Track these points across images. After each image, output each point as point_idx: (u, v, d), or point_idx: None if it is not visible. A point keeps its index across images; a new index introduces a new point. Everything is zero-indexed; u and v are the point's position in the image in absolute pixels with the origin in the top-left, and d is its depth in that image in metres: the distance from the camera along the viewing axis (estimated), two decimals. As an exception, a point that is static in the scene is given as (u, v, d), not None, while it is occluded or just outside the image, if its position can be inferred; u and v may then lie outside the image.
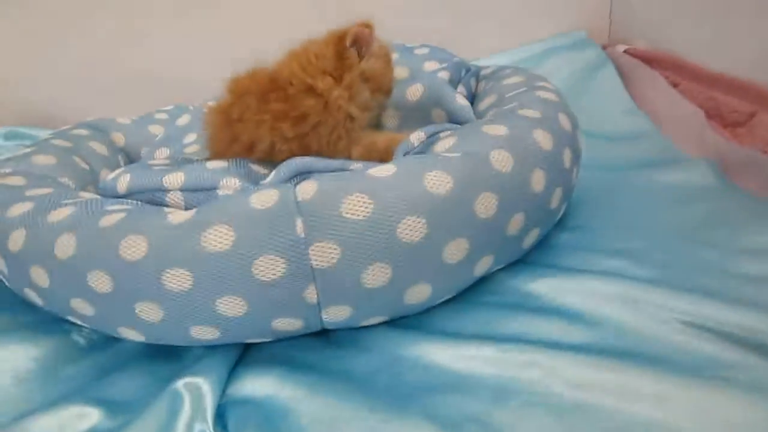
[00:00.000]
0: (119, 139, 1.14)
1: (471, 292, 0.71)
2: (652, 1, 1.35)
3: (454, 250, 0.63)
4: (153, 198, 0.75)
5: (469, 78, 1.04)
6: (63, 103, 1.41)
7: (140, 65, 1.40)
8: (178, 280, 0.59)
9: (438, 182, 0.62)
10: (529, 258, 0.78)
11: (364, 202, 0.60)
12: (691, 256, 0.75)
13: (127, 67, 1.39)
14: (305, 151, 0.80)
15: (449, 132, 0.84)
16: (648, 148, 1.11)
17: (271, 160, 0.84)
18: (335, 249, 0.59)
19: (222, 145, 0.84)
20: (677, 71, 1.21)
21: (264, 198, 0.61)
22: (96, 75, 1.39)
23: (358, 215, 0.59)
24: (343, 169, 0.76)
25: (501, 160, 0.67)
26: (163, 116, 1.25)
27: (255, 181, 0.76)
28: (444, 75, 0.94)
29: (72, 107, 1.39)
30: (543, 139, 0.73)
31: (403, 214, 0.60)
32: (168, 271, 0.59)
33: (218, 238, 0.58)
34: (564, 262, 0.78)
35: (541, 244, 0.80)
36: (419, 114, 0.94)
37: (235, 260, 0.58)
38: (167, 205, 0.75)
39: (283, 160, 0.82)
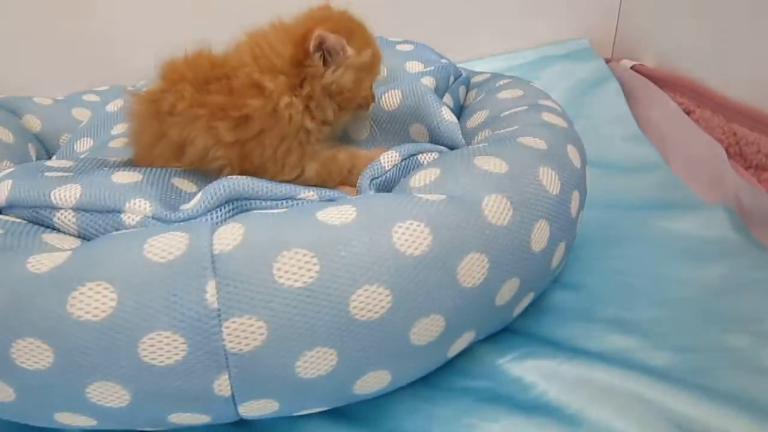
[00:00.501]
0: (33, 123, 0.94)
1: (441, 372, 0.55)
2: (666, 13, 1.20)
3: (426, 329, 0.47)
4: (38, 216, 0.57)
5: (458, 86, 0.87)
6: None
7: (81, 27, 1.18)
8: (33, 354, 0.41)
9: (411, 238, 0.46)
10: (517, 324, 0.62)
11: (306, 262, 0.43)
12: (711, 339, 0.60)
13: (63, 29, 1.18)
14: (246, 162, 0.63)
15: (431, 156, 0.68)
16: (654, 185, 0.96)
17: (202, 171, 0.67)
18: (260, 327, 0.42)
19: (146, 143, 0.66)
20: (692, 96, 1.06)
21: (167, 245, 0.43)
22: (22, 37, 1.17)
23: (297, 281, 0.42)
24: (290, 199, 0.59)
25: (496, 210, 0.51)
26: (92, 98, 1.06)
27: (173, 204, 0.59)
28: (428, 82, 0.78)
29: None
30: (549, 180, 0.57)
31: (359, 282, 0.43)
32: (20, 341, 0.41)
33: (93, 302, 0.41)
34: (558, 333, 0.62)
35: (532, 304, 0.65)
36: (394, 127, 0.77)
37: (115, 335, 0.41)
38: (54, 228, 0.57)
39: (218, 172, 0.65)
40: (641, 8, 1.29)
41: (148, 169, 0.63)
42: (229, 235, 0.44)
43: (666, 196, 0.92)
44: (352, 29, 0.65)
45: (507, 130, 0.67)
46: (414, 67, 0.90)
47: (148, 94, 0.66)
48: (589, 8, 1.32)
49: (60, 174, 0.62)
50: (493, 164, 0.56)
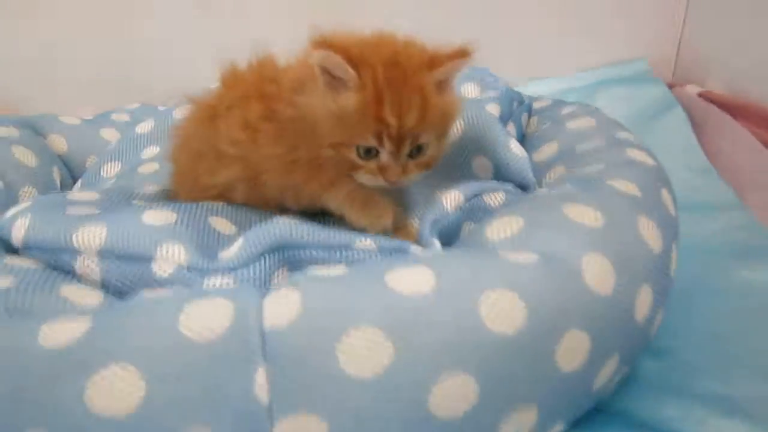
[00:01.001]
0: (59, 143, 0.88)
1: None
2: (737, 33, 1.11)
3: (514, 425, 0.38)
4: (58, 261, 0.50)
5: (521, 113, 0.79)
6: (10, 90, 1.13)
7: (114, 50, 1.13)
8: (42, 449, 0.33)
9: (504, 313, 0.37)
10: (602, 403, 0.53)
11: (377, 344, 0.35)
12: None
13: (95, 46, 1.12)
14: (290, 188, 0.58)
15: (498, 197, 0.60)
16: (731, 227, 0.86)
17: (243, 208, 0.59)
18: (322, 429, 0.33)
19: (194, 151, 0.61)
20: (770, 127, 0.97)
21: (207, 318, 0.35)
22: (57, 57, 1.12)
23: (366, 369, 0.34)
24: (345, 248, 0.51)
25: (598, 274, 0.42)
26: (122, 117, 0.99)
27: (210, 249, 0.51)
28: (494, 109, 0.70)
29: (20, 96, 1.12)
30: (650, 233, 0.48)
31: (441, 371, 0.35)
32: (27, 432, 0.33)
33: (116, 392, 0.33)
34: (651, 413, 0.53)
35: (618, 374, 0.55)
36: (455, 159, 0.69)
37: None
38: (76, 274, 0.50)
39: (264, 207, 0.58)
40: (707, 28, 1.20)
41: (183, 205, 0.56)
42: (283, 306, 0.36)
43: (747, 240, 0.82)
44: (363, 63, 0.49)
45: (590, 169, 0.58)
46: (471, 90, 0.83)
47: (203, 99, 0.61)
48: (648, 27, 1.23)
49: (84, 210, 0.55)
50: (586, 215, 0.47)
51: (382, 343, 0.35)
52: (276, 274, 0.49)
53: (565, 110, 0.80)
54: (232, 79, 0.59)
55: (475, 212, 0.61)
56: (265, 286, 0.48)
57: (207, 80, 0.64)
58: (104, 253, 0.49)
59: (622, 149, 0.62)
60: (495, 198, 0.62)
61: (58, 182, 0.82)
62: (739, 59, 1.11)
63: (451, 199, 0.60)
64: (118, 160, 0.87)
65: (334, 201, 0.56)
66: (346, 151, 0.52)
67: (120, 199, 0.61)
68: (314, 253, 0.50)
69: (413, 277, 0.38)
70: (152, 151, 0.87)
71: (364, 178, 0.53)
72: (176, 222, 0.52)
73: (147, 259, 0.48)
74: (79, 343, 0.35)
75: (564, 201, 0.49)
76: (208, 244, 0.52)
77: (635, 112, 1.13)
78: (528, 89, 1.00)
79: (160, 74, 1.13)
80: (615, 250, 0.44)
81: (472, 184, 0.62)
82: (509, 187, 0.63)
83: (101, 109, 1.02)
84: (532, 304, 0.38)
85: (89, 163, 0.90)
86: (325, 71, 0.49)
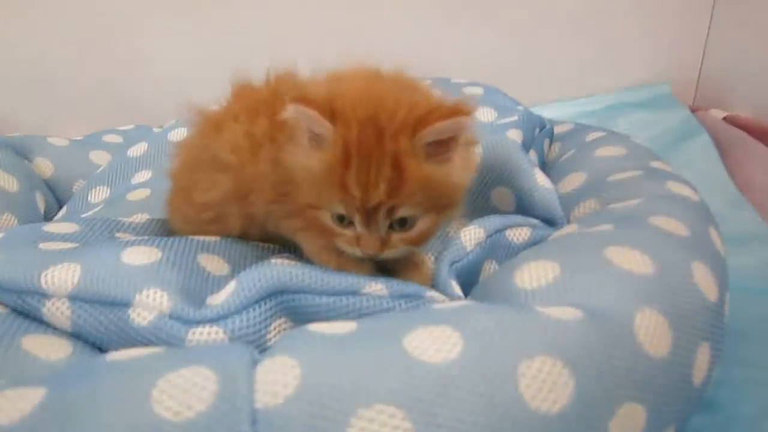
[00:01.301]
0: (45, 167, 0.82)
1: None
2: (760, 58, 1.05)
3: None
4: (23, 306, 0.44)
5: (542, 139, 0.73)
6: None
7: (109, 68, 1.08)
8: None
9: (547, 387, 0.31)
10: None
11: (395, 428, 0.28)
12: None
13: (89, 65, 1.07)
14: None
15: (523, 233, 0.54)
16: (765, 262, 0.80)
17: (237, 241, 0.53)
18: None
19: (194, 158, 0.55)
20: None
21: (185, 391, 0.29)
22: (53, 79, 1.07)
23: (381, 460, 0.27)
24: (351, 294, 0.44)
25: (653, 333, 0.36)
26: (114, 139, 0.94)
27: (198, 293, 0.45)
28: (515, 135, 0.64)
29: (8, 114, 1.07)
30: (705, 281, 0.42)
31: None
32: None
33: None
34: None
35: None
36: (472, 192, 0.63)
37: None
38: (43, 321, 0.43)
39: (259, 236, 0.52)
40: (730, 51, 1.15)
41: (170, 240, 0.50)
42: (279, 377, 0.29)
43: (787, 278, 0.76)
44: (341, 119, 0.42)
45: (627, 204, 0.52)
46: (487, 115, 0.77)
47: (212, 111, 0.55)
48: (669, 49, 1.18)
49: (59, 246, 0.49)
50: (633, 259, 0.41)
51: (400, 425, 0.28)
52: (273, 324, 0.43)
53: (591, 136, 0.74)
54: (243, 91, 0.54)
55: (497, 250, 0.55)
56: (260, 339, 0.42)
57: (207, 100, 0.58)
58: (76, 297, 0.43)
59: (661, 182, 0.56)
60: (519, 234, 0.56)
61: (41, 208, 0.76)
62: (763, 83, 1.06)
63: (471, 235, 0.53)
64: (107, 185, 0.81)
65: (306, 249, 0.50)
66: (320, 216, 0.45)
67: (102, 231, 0.55)
68: (317, 299, 0.44)
69: (436, 340, 0.32)
70: (143, 175, 0.81)
71: (342, 245, 0.46)
72: (161, 261, 0.46)
73: (124, 305, 0.42)
74: (26, 424, 0.28)
75: (605, 242, 0.43)
76: (195, 288, 0.45)
77: (658, 136, 1.07)
78: (546, 112, 0.94)
79: (156, 94, 1.08)
80: (669, 303, 0.38)
81: (493, 218, 0.55)
82: (535, 222, 0.57)
83: (94, 130, 0.97)
84: (579, 375, 0.31)
85: (76, 187, 0.84)
86: (303, 126, 0.43)
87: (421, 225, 0.45)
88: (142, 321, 0.41)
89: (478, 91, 0.84)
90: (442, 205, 0.45)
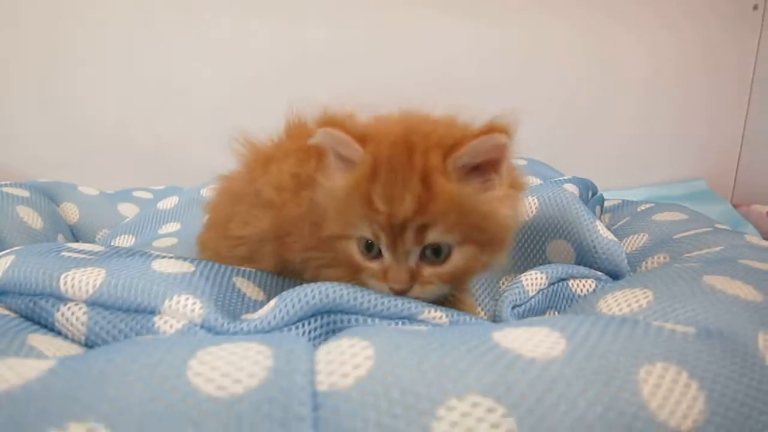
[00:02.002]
0: (71, 212, 0.79)
1: None
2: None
3: None
4: (35, 310, 0.38)
5: (594, 204, 0.69)
6: (46, 162, 1.07)
7: (145, 128, 1.08)
8: None
9: (675, 396, 0.25)
10: None
11: (493, 425, 0.22)
12: None
13: (125, 128, 1.08)
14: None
15: (587, 285, 0.49)
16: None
17: (273, 275, 0.49)
18: None
19: (235, 191, 0.52)
20: None
21: (232, 364, 0.23)
22: (106, 137, 1.08)
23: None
24: (407, 319, 0.39)
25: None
26: (144, 195, 0.92)
27: (233, 310, 0.39)
28: (573, 189, 0.60)
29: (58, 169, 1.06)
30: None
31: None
32: None
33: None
34: None
35: None
36: (525, 245, 0.58)
37: None
38: (54, 330, 0.38)
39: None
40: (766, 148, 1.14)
41: (203, 262, 0.45)
42: (347, 358, 0.24)
43: None
44: (372, 140, 0.40)
45: (709, 251, 0.47)
46: (531, 182, 0.74)
47: (265, 147, 0.52)
48: (705, 147, 1.18)
49: (83, 256, 0.45)
50: (738, 288, 0.35)
51: (500, 420, 0.22)
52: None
53: (643, 206, 0.71)
54: (296, 129, 0.51)
55: (560, 300, 0.50)
56: (302, 357, 0.36)
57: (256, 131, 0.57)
58: (96, 302, 0.37)
59: (738, 235, 0.51)
60: (584, 286, 0.50)
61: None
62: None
63: (533, 280, 0.48)
64: (133, 234, 0.77)
65: None
66: (346, 246, 0.41)
67: (129, 253, 0.51)
68: (369, 321, 0.38)
69: (533, 336, 0.26)
70: (172, 227, 0.78)
71: (369, 281, 0.41)
72: (194, 273, 0.41)
73: (150, 311, 0.37)
74: (27, 391, 0.22)
75: (699, 273, 0.38)
76: (230, 304, 0.40)
77: (701, 229, 1.03)
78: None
79: (193, 161, 1.07)
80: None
81: (555, 265, 0.50)
82: (600, 274, 0.52)
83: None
84: (708, 387, 0.25)
85: (101, 236, 0.80)
86: (333, 151, 0.41)
87: (456, 258, 0.39)
88: (169, 329, 0.36)
89: (521, 162, 0.82)
90: (482, 239, 0.40)
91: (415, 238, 0.38)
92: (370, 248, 0.40)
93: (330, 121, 0.39)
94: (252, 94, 1.09)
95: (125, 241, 0.76)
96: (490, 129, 0.37)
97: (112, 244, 0.75)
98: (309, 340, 0.37)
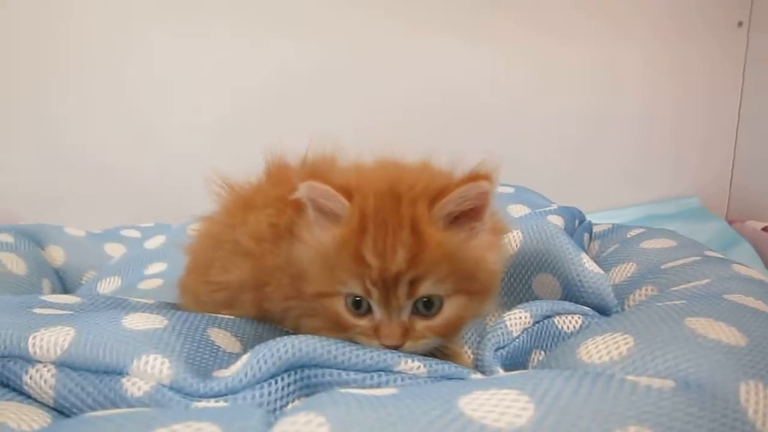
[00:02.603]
0: (56, 255, 0.79)
1: None
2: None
3: None
4: (2, 374, 0.38)
5: (582, 233, 0.68)
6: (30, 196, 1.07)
7: (133, 161, 1.08)
8: None
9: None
10: None
11: None
12: None
13: (113, 163, 1.07)
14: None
15: (574, 321, 0.48)
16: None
17: (252, 322, 0.48)
18: None
19: (214, 235, 0.51)
20: None
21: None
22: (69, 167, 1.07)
23: None
24: (384, 371, 0.38)
25: (763, 410, 0.29)
26: (132, 233, 0.91)
27: (204, 367, 0.38)
28: (557, 221, 0.59)
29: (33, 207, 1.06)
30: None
31: None
32: None
33: None
34: None
35: None
36: (509, 280, 0.57)
37: None
38: (24, 393, 0.37)
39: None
40: (758, 165, 1.13)
41: (178, 313, 0.44)
42: (300, 436, 0.23)
43: None
44: (357, 192, 0.39)
45: (695, 284, 0.46)
46: (519, 211, 0.73)
47: (244, 189, 0.51)
48: (698, 165, 1.17)
49: (55, 312, 0.44)
50: (720, 331, 0.34)
51: None
52: (290, 405, 0.36)
53: (632, 232, 0.70)
54: (277, 175, 0.51)
55: (545, 339, 0.48)
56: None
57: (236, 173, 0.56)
58: (64, 363, 0.37)
59: (726, 265, 0.50)
60: (570, 322, 0.49)
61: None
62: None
63: (516, 319, 0.47)
64: (119, 275, 0.76)
65: None
66: (333, 304, 0.40)
67: (105, 305, 0.50)
68: (344, 375, 0.37)
69: (500, 403, 0.25)
70: (158, 267, 0.77)
71: (359, 339, 0.40)
72: (165, 328, 0.40)
73: (118, 372, 0.36)
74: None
75: (682, 315, 0.37)
76: (202, 361, 0.39)
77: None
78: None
79: (181, 198, 1.07)
80: (774, 379, 0.31)
81: (540, 303, 0.49)
82: (587, 310, 0.51)
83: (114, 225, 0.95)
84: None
85: (87, 278, 0.80)
86: (316, 205, 0.40)
87: (448, 310, 0.39)
88: (137, 391, 0.35)
89: (507, 189, 0.81)
90: (472, 288, 0.39)
91: (408, 291, 0.37)
92: (358, 305, 0.39)
93: (313, 174, 0.39)
94: (246, 122, 1.09)
95: (111, 283, 0.75)
96: (475, 177, 0.37)
97: (97, 287, 0.75)
98: (283, 396, 0.36)
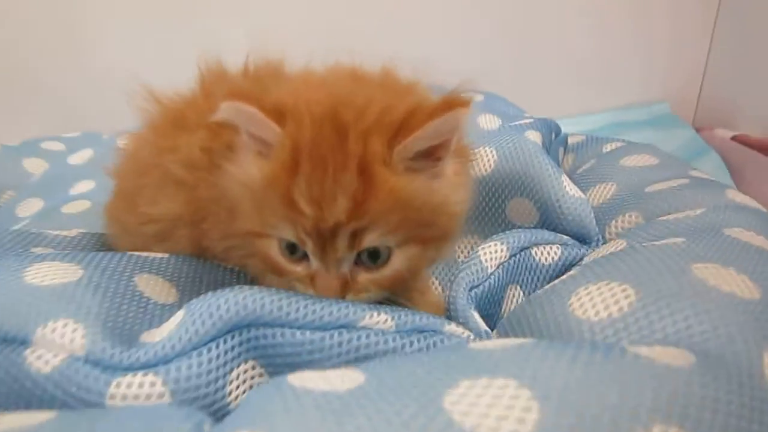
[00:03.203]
0: (-35, 173, 0.69)
1: None
2: (764, 76, 0.99)
3: None
4: None
5: (557, 147, 0.63)
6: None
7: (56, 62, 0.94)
8: None
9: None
10: None
11: None
12: None
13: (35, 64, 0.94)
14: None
15: (552, 253, 0.44)
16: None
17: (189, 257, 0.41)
18: None
19: (141, 158, 0.43)
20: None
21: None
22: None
23: None
24: (343, 328, 0.32)
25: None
26: (55, 146, 0.81)
27: (130, 328, 0.32)
28: (534, 137, 0.53)
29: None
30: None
31: None
32: None
33: None
34: None
35: None
36: (481, 204, 0.52)
37: None
38: None
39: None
40: (734, 68, 1.08)
41: (98, 255, 0.37)
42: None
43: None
44: (293, 117, 0.32)
45: (687, 215, 0.42)
46: (490, 122, 0.66)
47: (175, 103, 0.43)
48: (666, 68, 1.11)
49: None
50: (733, 282, 0.30)
51: None
52: (235, 372, 0.31)
53: (609, 146, 0.65)
54: (214, 83, 0.42)
55: (522, 273, 0.44)
56: (216, 394, 0.29)
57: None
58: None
59: (718, 190, 0.46)
60: (548, 253, 0.45)
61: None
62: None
63: (492, 253, 0.42)
64: (40, 197, 0.67)
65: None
66: (266, 246, 0.33)
67: (12, 245, 0.42)
68: (299, 335, 0.31)
69: (497, 403, 0.20)
70: (85, 186, 0.68)
71: (298, 287, 0.34)
72: (79, 281, 0.33)
73: (20, 342, 0.29)
74: None
75: (687, 259, 0.32)
76: (126, 321, 0.32)
77: (663, 158, 0.98)
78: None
79: (110, 102, 0.95)
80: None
81: (516, 233, 0.44)
82: (565, 239, 0.46)
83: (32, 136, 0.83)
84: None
85: (4, 199, 0.70)
86: (245, 129, 0.32)
87: (397, 261, 0.33)
88: (44, 366, 0.28)
89: (477, 97, 0.74)
90: (428, 236, 0.33)
91: (349, 243, 0.31)
92: (293, 250, 0.33)
93: (238, 93, 0.31)
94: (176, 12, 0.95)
95: (32, 206, 0.66)
96: (450, 104, 0.29)
97: (16, 210, 0.66)
98: (226, 362, 0.31)
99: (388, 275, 0.33)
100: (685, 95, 1.13)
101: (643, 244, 0.37)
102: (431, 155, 0.31)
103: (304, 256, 0.33)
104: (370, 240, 0.31)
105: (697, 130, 1.06)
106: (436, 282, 0.49)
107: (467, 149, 0.36)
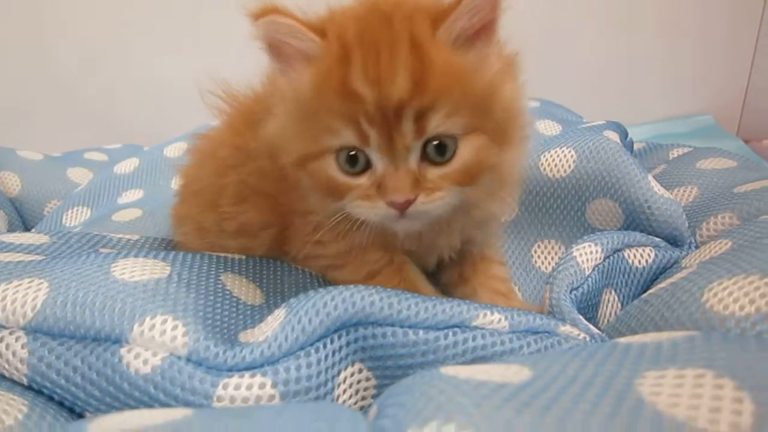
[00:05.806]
0: (11, 183, 0.67)
1: None
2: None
3: None
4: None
5: (628, 149, 0.60)
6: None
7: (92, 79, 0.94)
8: None
9: None
10: None
11: None
12: None
13: (74, 81, 0.93)
14: None
15: (645, 255, 0.41)
16: None
17: (271, 261, 0.39)
18: None
19: (221, 158, 0.41)
20: None
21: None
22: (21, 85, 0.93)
23: None
24: (457, 327, 0.30)
25: None
26: (97, 156, 0.79)
27: (226, 326, 0.30)
28: (612, 136, 0.51)
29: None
30: None
31: None
32: None
33: None
34: None
35: None
36: (559, 206, 0.50)
37: None
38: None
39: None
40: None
41: (179, 254, 0.35)
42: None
43: None
44: (330, 22, 0.32)
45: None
46: (549, 127, 0.64)
47: (244, 102, 0.42)
48: (713, 82, 1.09)
49: (20, 257, 0.34)
50: None
51: None
52: (343, 375, 0.28)
53: (675, 152, 0.63)
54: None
55: (616, 276, 0.41)
56: (325, 395, 0.27)
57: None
58: (38, 329, 0.27)
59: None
60: (641, 255, 0.42)
61: (2, 229, 0.61)
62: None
63: (587, 254, 0.40)
64: (87, 206, 0.66)
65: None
66: (322, 168, 0.31)
67: (80, 244, 0.40)
68: (410, 335, 0.29)
69: (705, 397, 0.17)
70: (134, 194, 0.67)
71: (362, 208, 0.31)
72: (170, 277, 0.31)
73: (114, 341, 0.27)
74: None
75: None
76: (222, 319, 0.30)
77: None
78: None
79: (149, 115, 0.94)
80: None
81: (609, 234, 0.42)
82: (658, 241, 0.44)
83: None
84: None
85: (49, 209, 0.69)
86: (276, 48, 0.31)
87: (465, 151, 0.31)
88: (142, 366, 0.26)
89: (533, 103, 0.72)
90: (489, 126, 0.31)
91: (415, 128, 0.29)
92: (354, 161, 0.31)
93: (271, 9, 0.29)
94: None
95: (79, 214, 0.65)
96: None
97: (63, 219, 0.64)
98: (334, 364, 0.28)
99: (458, 168, 0.31)
100: (728, 107, 1.11)
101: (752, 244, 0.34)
102: (474, 42, 0.31)
103: (366, 167, 0.31)
104: (435, 123, 0.29)
105: (745, 141, 1.04)
106: (515, 288, 0.46)
107: (510, 57, 0.34)
